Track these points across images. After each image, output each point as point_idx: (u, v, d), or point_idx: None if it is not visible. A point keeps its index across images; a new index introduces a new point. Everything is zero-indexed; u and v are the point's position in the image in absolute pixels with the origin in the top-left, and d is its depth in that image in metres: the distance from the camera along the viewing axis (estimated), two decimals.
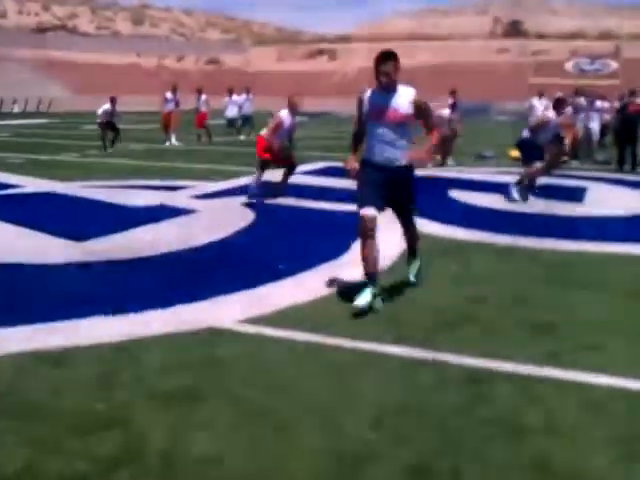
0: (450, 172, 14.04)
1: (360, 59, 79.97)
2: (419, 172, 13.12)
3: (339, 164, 15.68)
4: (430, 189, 11.44)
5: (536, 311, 5.11)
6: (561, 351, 4.29)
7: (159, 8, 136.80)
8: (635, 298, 5.49)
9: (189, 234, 7.51)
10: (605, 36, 73.97)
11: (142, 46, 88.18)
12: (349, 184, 12.17)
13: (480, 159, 16.90)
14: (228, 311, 4.96)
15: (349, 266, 6.29)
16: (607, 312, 5.11)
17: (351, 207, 9.53)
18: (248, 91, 24.47)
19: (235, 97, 23.90)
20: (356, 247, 7.01)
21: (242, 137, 22.93)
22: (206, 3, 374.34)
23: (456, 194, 10.87)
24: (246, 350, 4.27)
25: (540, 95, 19.41)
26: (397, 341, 4.39)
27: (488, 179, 13.05)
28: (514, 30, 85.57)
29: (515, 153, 17.45)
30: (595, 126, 17.39)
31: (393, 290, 5.58)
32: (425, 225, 8.18)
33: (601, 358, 4.19)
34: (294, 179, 12.44)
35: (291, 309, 5.06)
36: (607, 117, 19.09)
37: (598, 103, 19.39)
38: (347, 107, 52.53)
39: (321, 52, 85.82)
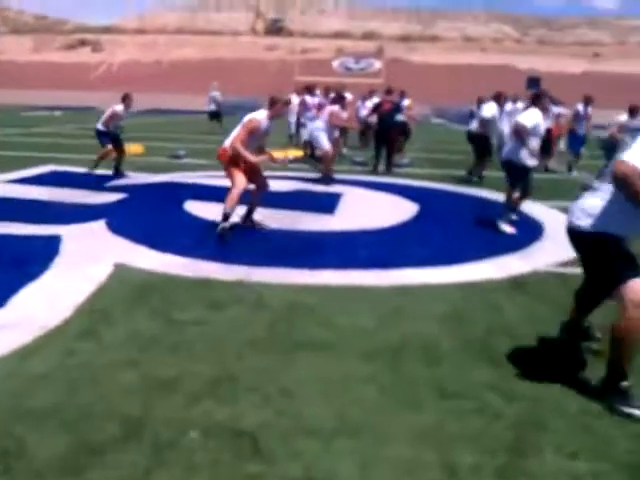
0: (198, 177, 12.24)
1: (127, 51, 75.92)
2: (158, 179, 11.31)
3: (68, 168, 13.35)
4: (164, 201, 9.64)
5: (232, 405, 3.47)
6: None
7: None
8: (376, 362, 4.06)
9: None
10: (369, 36, 76.67)
11: None
12: (64, 196, 10.03)
13: None
14: None
15: None
16: (338, 398, 3.60)
17: (46, 230, 7.48)
18: None
19: None
20: (15, 300, 4.96)
21: None
22: None
23: (193, 207, 9.09)
24: None
25: (298, 92, 18.49)
26: None
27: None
28: (275, 27, 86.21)
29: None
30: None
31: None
32: (134, 254, 6.32)
33: None
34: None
35: None
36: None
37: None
38: (113, 101, 49.11)
39: (84, 43, 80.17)
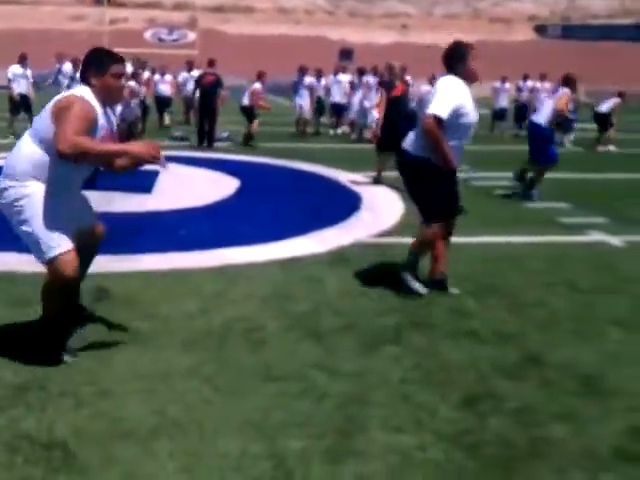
0: None
1: None
2: None
3: None
4: None
5: (41, 413, 3.17)
6: None
7: None
8: (199, 352, 3.90)
9: None
10: (180, 7, 74.49)
11: None
12: None
13: None
14: None
15: None
16: (159, 395, 3.37)
17: None
18: None
19: None
20: None
21: None
22: None
23: None
24: None
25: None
26: None
27: None
28: None
29: None
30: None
31: None
32: None
33: None
34: None
35: None
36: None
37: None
38: None
39: None
